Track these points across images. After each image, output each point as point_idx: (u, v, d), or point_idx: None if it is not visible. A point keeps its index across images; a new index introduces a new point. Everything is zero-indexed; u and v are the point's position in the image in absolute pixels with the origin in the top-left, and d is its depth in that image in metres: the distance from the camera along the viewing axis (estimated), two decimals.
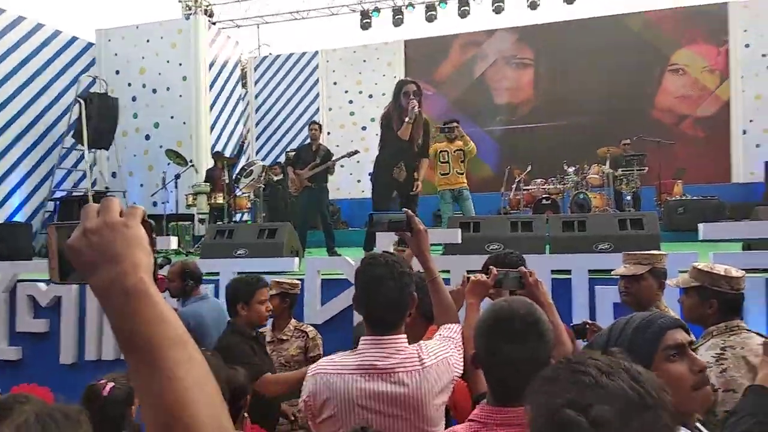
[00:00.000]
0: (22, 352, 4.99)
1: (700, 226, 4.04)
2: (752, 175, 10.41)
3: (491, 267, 2.13)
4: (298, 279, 4.55)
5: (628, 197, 8.22)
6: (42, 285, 4.92)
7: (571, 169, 8.79)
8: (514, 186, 8.97)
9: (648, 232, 4.46)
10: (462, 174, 6.53)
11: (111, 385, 2.05)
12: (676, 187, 8.63)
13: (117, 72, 10.59)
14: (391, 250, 3.30)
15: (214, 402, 0.67)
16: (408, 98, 5.21)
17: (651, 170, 8.49)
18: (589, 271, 4.03)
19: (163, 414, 0.64)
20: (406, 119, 5.19)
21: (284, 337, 3.44)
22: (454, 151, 6.50)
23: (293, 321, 3.53)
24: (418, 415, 1.75)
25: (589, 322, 2.50)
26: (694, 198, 7.72)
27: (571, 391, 0.79)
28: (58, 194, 9.62)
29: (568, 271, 4.07)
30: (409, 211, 2.08)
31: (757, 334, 2.12)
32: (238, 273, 4.73)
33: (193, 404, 0.64)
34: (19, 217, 9.15)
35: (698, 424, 1.31)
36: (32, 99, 9.51)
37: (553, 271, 4.04)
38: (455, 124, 6.61)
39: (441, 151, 6.53)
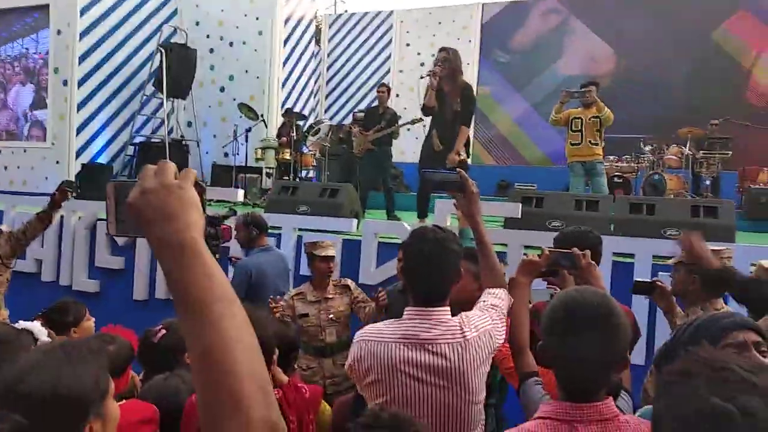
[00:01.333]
0: (99, 285, 5.38)
1: None
2: None
3: (544, 248, 2.10)
4: (355, 239, 4.66)
5: (707, 182, 7.76)
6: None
7: (647, 148, 8.36)
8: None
9: (722, 221, 4.23)
10: (596, 145, 5.97)
11: (163, 332, 2.18)
12: (762, 174, 8.05)
13: (197, 23, 10.84)
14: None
15: (254, 357, 0.71)
16: (435, 65, 5.13)
17: (736, 155, 7.96)
18: (654, 257, 3.89)
19: (205, 362, 0.69)
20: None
21: (329, 296, 3.61)
22: (589, 119, 5.93)
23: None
24: (460, 385, 1.78)
25: (660, 281, 2.43)
26: None
27: (715, 387, 0.80)
28: (138, 139, 10.10)
29: (631, 255, 3.94)
30: (463, 171, 2.06)
31: None
32: (299, 229, 4.89)
33: (234, 356, 0.69)
34: (102, 159, 9.69)
35: None
36: (117, 46, 9.91)
37: (614, 254, 3.92)
38: (590, 87, 5.97)
39: (574, 118, 6.00)
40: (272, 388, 0.73)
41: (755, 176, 8.02)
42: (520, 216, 4.47)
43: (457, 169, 2.12)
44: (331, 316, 3.53)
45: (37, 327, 2.04)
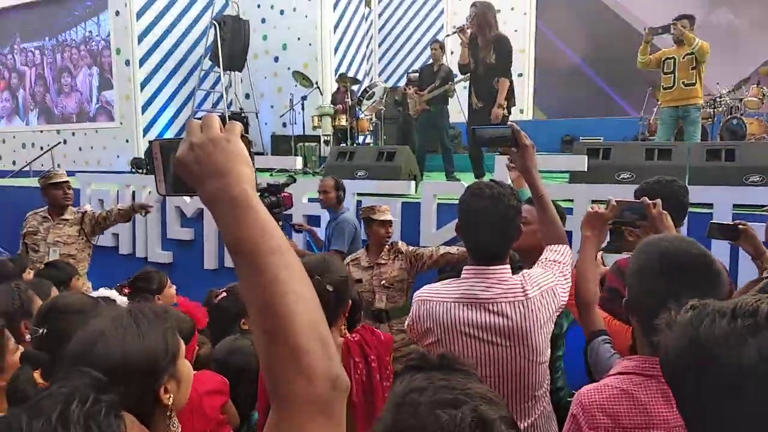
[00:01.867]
0: (172, 256, 5.62)
1: None
2: None
3: (611, 197, 1.98)
4: (415, 202, 4.61)
5: None
6: (187, 197, 5.43)
7: (724, 91, 7.76)
8: (656, 109, 8.14)
9: None
10: (693, 86, 5.35)
11: (224, 294, 2.23)
12: None
13: None
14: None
15: (312, 308, 0.70)
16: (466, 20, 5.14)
17: None
18: (735, 206, 3.64)
19: (263, 316, 0.68)
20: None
21: (382, 261, 3.56)
22: (683, 57, 5.34)
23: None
24: (523, 344, 1.73)
25: (743, 223, 2.28)
26: None
27: None
28: (200, 114, 10.34)
29: (710, 205, 3.70)
30: (514, 124, 1.96)
31: None
32: (358, 194, 4.89)
33: (291, 308, 0.68)
34: (168, 134, 10.04)
35: None
36: (173, 23, 10.10)
37: (691, 204, 3.69)
38: (679, 21, 5.31)
39: (666, 59, 5.45)
40: (333, 340, 0.71)
41: None
42: (586, 169, 4.28)
43: (509, 122, 2.02)
44: (383, 281, 3.50)
45: (114, 294, 2.14)
